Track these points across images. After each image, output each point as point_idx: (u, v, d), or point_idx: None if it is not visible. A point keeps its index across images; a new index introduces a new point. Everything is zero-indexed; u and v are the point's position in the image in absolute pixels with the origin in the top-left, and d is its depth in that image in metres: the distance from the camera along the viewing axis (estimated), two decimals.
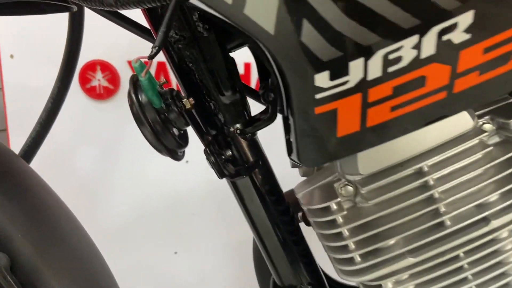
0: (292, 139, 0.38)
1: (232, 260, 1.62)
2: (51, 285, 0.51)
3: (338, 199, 0.46)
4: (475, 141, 0.45)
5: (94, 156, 1.55)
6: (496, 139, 0.47)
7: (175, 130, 0.46)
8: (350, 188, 0.47)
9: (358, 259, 0.47)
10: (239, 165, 0.52)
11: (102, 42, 1.40)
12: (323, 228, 0.48)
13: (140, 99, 0.43)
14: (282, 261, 0.57)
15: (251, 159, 0.53)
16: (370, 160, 0.45)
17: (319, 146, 0.37)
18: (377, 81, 0.35)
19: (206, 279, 1.62)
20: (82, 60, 1.49)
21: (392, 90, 0.36)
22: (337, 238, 0.47)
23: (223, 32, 0.50)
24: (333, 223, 0.47)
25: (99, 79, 1.47)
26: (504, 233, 0.47)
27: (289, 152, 0.41)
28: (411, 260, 0.46)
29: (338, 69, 0.32)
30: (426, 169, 0.45)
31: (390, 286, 0.48)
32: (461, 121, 0.45)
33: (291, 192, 0.62)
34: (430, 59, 0.35)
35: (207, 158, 0.49)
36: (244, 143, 0.53)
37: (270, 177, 0.56)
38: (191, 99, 0.48)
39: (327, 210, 0.47)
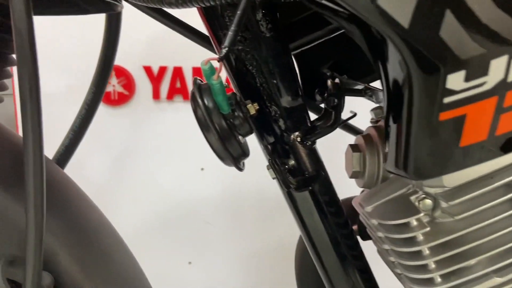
0: (393, 148, 0.34)
1: (247, 271, 1.58)
2: None
3: (420, 215, 0.42)
4: None
5: (107, 163, 1.51)
6: None
7: (241, 138, 0.42)
8: (428, 201, 0.43)
9: (439, 279, 0.43)
10: (300, 175, 0.48)
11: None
12: (398, 245, 0.44)
13: (207, 103, 0.40)
14: (341, 277, 0.53)
15: (312, 168, 0.49)
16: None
17: (436, 157, 0.33)
18: None
19: None
20: (95, 67, 1.46)
21: None
22: (415, 256, 0.44)
23: (286, 31, 0.47)
24: (411, 241, 0.43)
25: (114, 85, 1.43)
26: None
27: (386, 161, 0.37)
28: (497, 280, 0.42)
29: (477, 69, 0.29)
30: None
31: None
32: None
33: (345, 202, 0.59)
34: None
35: (272, 168, 0.46)
36: (303, 152, 0.49)
37: (329, 187, 0.52)
38: (255, 104, 0.44)
39: (405, 226, 0.43)
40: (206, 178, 1.53)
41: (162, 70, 1.44)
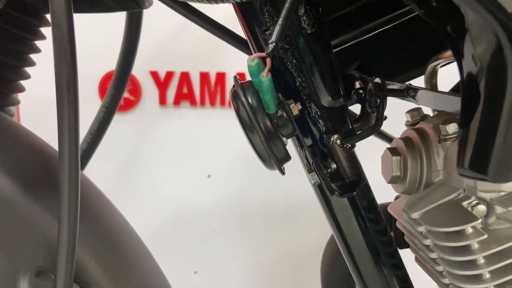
0: (470, 149, 0.32)
1: (255, 281, 1.55)
2: None
3: (477, 222, 0.39)
4: None
5: (113, 170, 1.48)
6: None
7: (284, 139, 0.40)
8: (482, 207, 0.41)
9: None
10: (340, 180, 0.46)
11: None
12: (449, 253, 0.42)
13: (251, 102, 0.37)
14: (380, 286, 0.50)
15: (351, 173, 0.47)
16: None
17: None
18: None
19: None
20: (102, 70, 1.43)
21: None
22: (469, 266, 0.41)
23: (327, 28, 0.44)
24: (466, 249, 0.41)
25: None
26: None
27: (462, 165, 0.35)
28: None
29: None
30: None
31: None
32: None
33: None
34: None
35: (316, 171, 0.43)
36: (343, 155, 0.47)
37: (368, 192, 0.50)
38: (298, 104, 0.42)
39: (459, 234, 0.41)
40: (212, 185, 1.50)
41: (169, 75, 1.41)
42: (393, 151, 0.49)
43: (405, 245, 0.54)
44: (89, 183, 0.49)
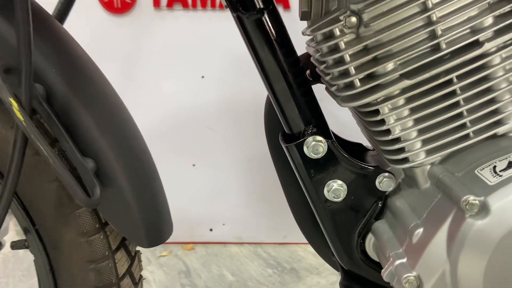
0: None
1: (246, 173, 1.69)
2: (84, 117, 0.57)
3: (341, 23, 0.49)
4: None
5: (112, 72, 1.59)
6: None
7: None
8: (354, 18, 0.50)
9: (358, 83, 0.52)
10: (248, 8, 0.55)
11: None
12: (326, 56, 0.52)
13: None
14: (292, 107, 0.60)
15: (260, 4, 0.56)
16: None
17: None
18: None
19: (222, 190, 1.70)
20: None
21: None
22: (338, 65, 0.52)
23: None
24: (335, 50, 0.51)
25: None
26: (496, 59, 0.50)
27: None
28: (406, 83, 0.50)
29: None
30: None
31: (386, 111, 0.53)
32: None
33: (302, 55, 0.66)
34: None
35: None
36: None
37: (281, 28, 0.59)
38: None
39: (331, 38, 0.51)
40: (206, 86, 1.61)
41: None
42: None
43: (318, 79, 0.64)
44: (63, 31, 0.61)
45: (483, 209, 0.45)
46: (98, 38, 1.54)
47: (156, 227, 0.64)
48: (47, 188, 0.59)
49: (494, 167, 0.48)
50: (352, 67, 0.51)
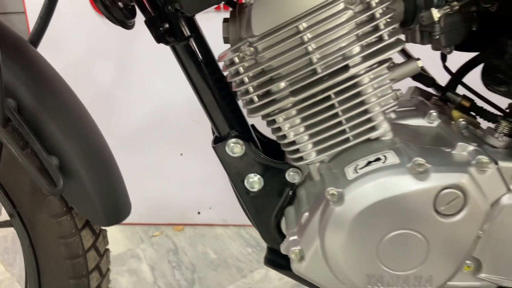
0: None
1: None
2: (49, 124, 0.72)
3: (239, 53, 0.63)
4: (340, 5, 0.60)
5: (106, 71, 1.75)
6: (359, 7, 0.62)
7: (121, 4, 0.64)
8: (251, 48, 0.64)
9: (256, 99, 0.65)
10: (176, 37, 0.69)
11: None
12: (233, 78, 0.66)
13: None
14: (218, 115, 0.74)
15: (186, 33, 0.70)
16: (261, 23, 0.62)
17: None
18: None
19: (209, 177, 1.86)
20: None
21: None
22: (241, 84, 0.66)
23: None
24: (237, 74, 0.65)
25: None
26: (365, 79, 0.63)
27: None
28: (292, 99, 0.64)
29: None
30: (302, 28, 0.61)
31: (281, 120, 0.66)
32: None
33: None
34: None
35: (149, 27, 0.67)
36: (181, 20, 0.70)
37: (206, 51, 0.73)
38: None
39: (233, 64, 0.65)
40: None
41: None
42: (225, 19, 0.72)
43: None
44: (36, 54, 0.76)
45: (340, 198, 0.59)
46: (92, 40, 1.69)
47: (113, 209, 0.79)
48: (23, 180, 0.75)
49: (357, 165, 0.62)
50: (250, 87, 0.65)
